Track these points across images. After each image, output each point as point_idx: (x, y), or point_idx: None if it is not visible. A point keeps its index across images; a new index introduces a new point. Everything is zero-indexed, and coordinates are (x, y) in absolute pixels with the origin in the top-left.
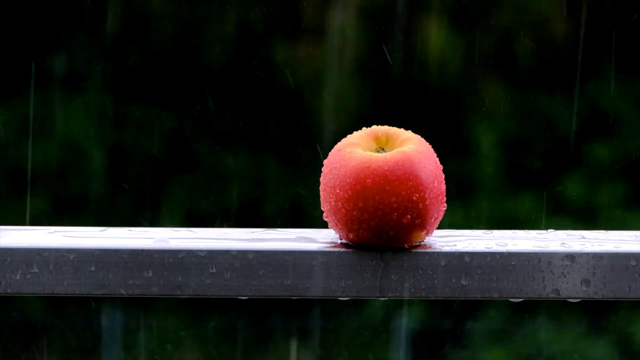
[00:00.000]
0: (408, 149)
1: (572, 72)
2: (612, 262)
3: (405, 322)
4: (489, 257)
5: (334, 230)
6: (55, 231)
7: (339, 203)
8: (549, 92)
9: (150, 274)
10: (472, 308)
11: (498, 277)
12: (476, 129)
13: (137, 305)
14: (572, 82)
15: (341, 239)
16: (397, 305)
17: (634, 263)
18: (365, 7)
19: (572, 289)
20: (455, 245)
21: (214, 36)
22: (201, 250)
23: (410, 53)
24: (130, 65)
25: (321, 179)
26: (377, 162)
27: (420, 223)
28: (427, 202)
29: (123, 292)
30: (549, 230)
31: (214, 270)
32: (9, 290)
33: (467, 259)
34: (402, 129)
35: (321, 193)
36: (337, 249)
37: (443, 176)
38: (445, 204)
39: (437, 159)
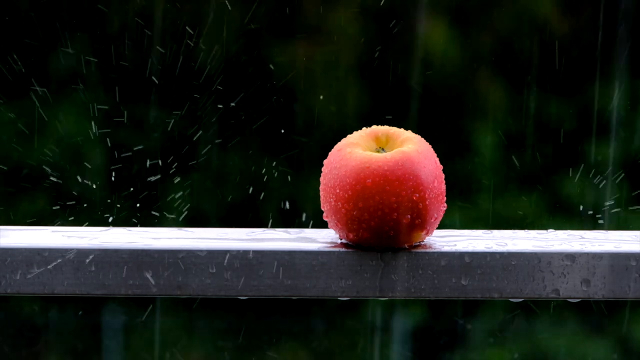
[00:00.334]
0: (408, 149)
1: (572, 72)
2: (612, 262)
3: (404, 322)
4: (489, 257)
5: (334, 230)
6: (55, 231)
7: (339, 203)
8: (549, 92)
9: (150, 274)
10: (472, 308)
11: (498, 277)
12: (476, 129)
13: (137, 305)
14: (573, 82)
15: (341, 239)
16: (396, 305)
17: (634, 263)
18: (366, 7)
19: (572, 289)
20: (455, 245)
21: (214, 36)
22: (201, 250)
23: (410, 53)
24: (130, 65)
25: (321, 179)
26: (377, 162)
27: (420, 223)
28: (427, 202)
29: (123, 292)
30: (549, 230)
31: (214, 270)
32: (9, 290)
33: (467, 259)
34: (402, 129)
35: (321, 193)
36: (337, 249)
37: (443, 176)
38: (445, 204)
39: (437, 159)
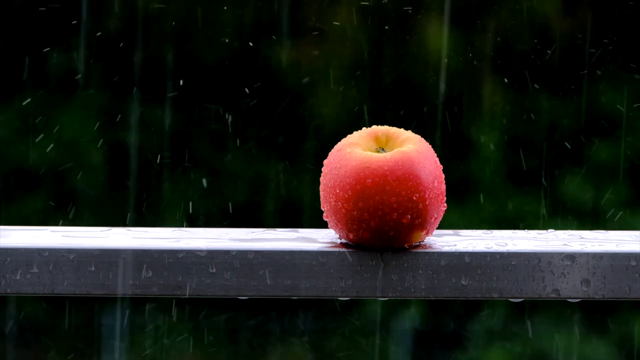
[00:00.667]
0: (408, 149)
1: (572, 71)
2: (612, 262)
3: (405, 322)
4: (489, 257)
5: (334, 230)
6: (55, 231)
7: (339, 203)
8: (549, 92)
9: (150, 274)
10: (472, 308)
11: (498, 277)
12: (476, 129)
13: (137, 305)
14: (573, 82)
15: (341, 239)
16: (397, 305)
17: (634, 263)
18: (365, 7)
19: (572, 289)
20: (455, 245)
21: (214, 36)
22: (201, 250)
23: (410, 53)
24: (130, 65)
25: (321, 179)
26: (377, 162)
27: (420, 223)
28: (427, 202)
29: (123, 292)
30: (549, 230)
31: (214, 270)
32: (9, 290)
33: (467, 259)
34: (402, 129)
35: (321, 193)
36: (337, 249)
37: (443, 176)
38: (445, 204)
39: (437, 159)
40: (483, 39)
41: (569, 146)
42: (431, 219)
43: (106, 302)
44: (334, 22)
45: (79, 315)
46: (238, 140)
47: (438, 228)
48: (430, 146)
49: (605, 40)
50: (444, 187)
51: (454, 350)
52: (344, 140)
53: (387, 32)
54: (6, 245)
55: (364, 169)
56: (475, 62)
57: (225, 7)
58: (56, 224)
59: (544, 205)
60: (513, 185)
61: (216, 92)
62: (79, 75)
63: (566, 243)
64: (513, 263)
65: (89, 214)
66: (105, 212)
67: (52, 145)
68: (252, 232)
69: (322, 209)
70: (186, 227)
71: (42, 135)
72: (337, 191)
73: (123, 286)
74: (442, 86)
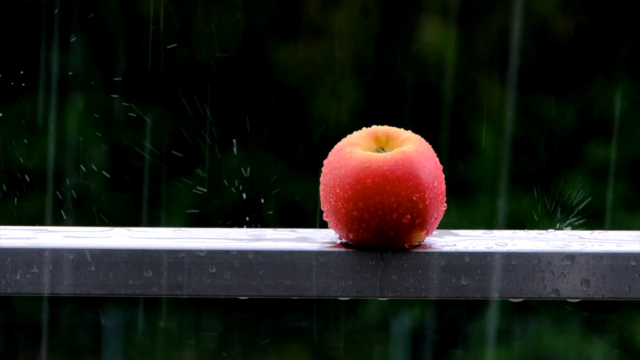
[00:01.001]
0: (408, 148)
1: (572, 71)
2: (612, 262)
3: (404, 322)
4: (489, 257)
5: (334, 230)
6: (55, 231)
7: (339, 203)
8: (549, 92)
9: (150, 274)
10: (472, 308)
11: (498, 277)
12: (476, 129)
13: (137, 305)
14: (573, 82)
15: (341, 239)
16: (396, 305)
17: (634, 263)
18: (365, 7)
19: (572, 289)
20: (455, 245)
21: (214, 36)
22: (201, 250)
23: (410, 53)
24: (130, 65)
25: (321, 179)
26: (377, 162)
27: (420, 223)
28: (427, 202)
29: (123, 292)
30: (549, 230)
31: (214, 270)
32: (9, 290)
33: (467, 259)
34: (402, 129)
35: (321, 193)
36: (337, 249)
37: (443, 176)
38: (445, 204)
39: (437, 159)
40: (483, 38)
41: (570, 146)
42: (431, 219)
43: (106, 302)
44: (335, 22)
45: (79, 315)
46: (238, 141)
47: (438, 228)
48: (430, 146)
49: (605, 41)
50: (444, 187)
51: (454, 350)
52: (344, 140)
53: (387, 31)
54: (6, 245)
55: (364, 169)
56: (475, 62)
57: (225, 7)
58: (56, 224)
59: (544, 205)
60: (513, 185)
61: (216, 92)
62: (80, 75)
63: (566, 243)
64: (513, 263)
65: (89, 214)
66: (105, 212)
67: (52, 145)
68: (252, 232)
69: (322, 209)
70: (186, 227)
71: (42, 135)
72: (337, 191)
73: (123, 286)
74: (442, 86)
